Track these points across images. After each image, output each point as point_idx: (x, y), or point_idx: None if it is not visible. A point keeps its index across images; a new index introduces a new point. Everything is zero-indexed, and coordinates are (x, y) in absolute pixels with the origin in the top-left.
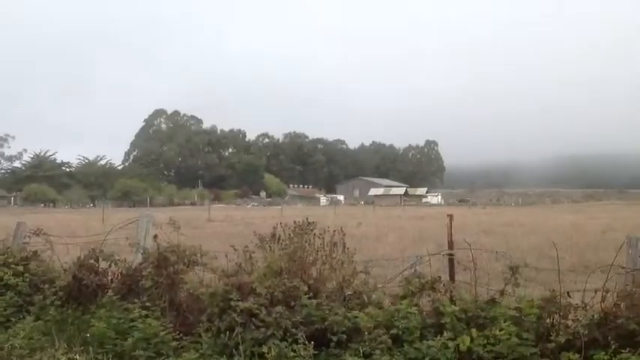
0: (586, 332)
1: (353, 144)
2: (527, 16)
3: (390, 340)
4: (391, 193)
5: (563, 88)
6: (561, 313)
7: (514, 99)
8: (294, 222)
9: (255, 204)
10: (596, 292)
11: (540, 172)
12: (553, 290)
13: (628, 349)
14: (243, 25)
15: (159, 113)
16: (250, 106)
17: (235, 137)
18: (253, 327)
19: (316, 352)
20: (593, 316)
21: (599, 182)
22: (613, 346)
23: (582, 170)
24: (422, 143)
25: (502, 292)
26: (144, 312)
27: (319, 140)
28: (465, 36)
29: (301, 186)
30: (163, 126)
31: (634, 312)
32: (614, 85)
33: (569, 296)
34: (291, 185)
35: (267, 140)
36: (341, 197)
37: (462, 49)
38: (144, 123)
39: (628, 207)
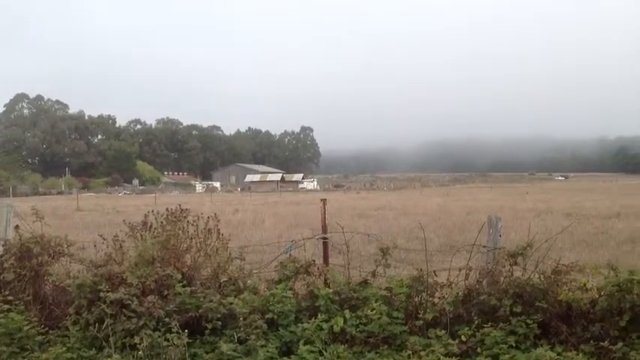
0: (451, 309)
1: (229, 130)
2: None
3: (265, 325)
4: (268, 179)
5: (432, 79)
6: (429, 292)
7: (383, 87)
8: (167, 209)
9: (128, 192)
10: (460, 271)
11: (411, 157)
12: (421, 270)
13: (490, 323)
14: (114, 6)
15: (20, 97)
16: (121, 92)
17: (105, 123)
18: (124, 318)
19: (190, 340)
20: (457, 293)
21: (465, 166)
22: (476, 322)
23: (450, 155)
24: (297, 129)
25: (374, 274)
26: (6, 306)
27: (194, 126)
28: (334, 25)
29: (176, 173)
30: (26, 111)
31: (495, 288)
32: (479, 75)
33: (436, 275)
34: (165, 172)
35: (139, 127)
36: (217, 184)
37: (331, 37)
38: (4, 108)
39: (491, 189)
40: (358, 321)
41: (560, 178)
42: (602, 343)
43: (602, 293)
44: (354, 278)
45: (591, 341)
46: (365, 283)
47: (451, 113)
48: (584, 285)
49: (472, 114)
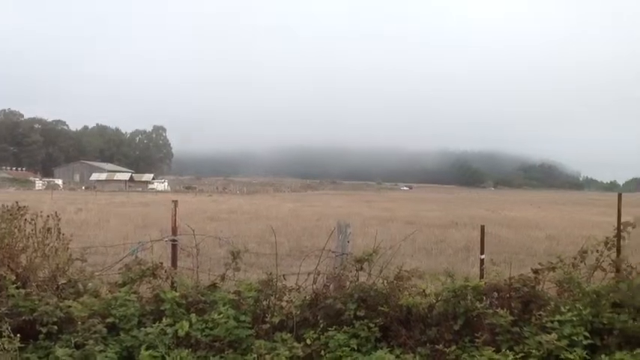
0: (298, 312)
1: (75, 125)
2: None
3: (105, 329)
4: (115, 178)
5: (291, 88)
6: (277, 296)
7: (240, 91)
8: (3, 206)
9: None
10: (309, 275)
11: (266, 162)
12: (270, 274)
13: (334, 327)
14: None
15: None
16: None
17: None
18: None
19: (23, 344)
20: (305, 297)
21: (318, 173)
22: (322, 325)
23: (304, 162)
24: (150, 128)
25: (223, 277)
26: None
27: (36, 120)
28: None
29: (15, 168)
30: None
31: (341, 293)
32: (337, 88)
33: (285, 279)
34: (3, 167)
35: None
36: (59, 181)
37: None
38: None
39: (340, 196)
40: (204, 325)
41: (404, 188)
42: (437, 346)
43: (439, 298)
44: (203, 281)
45: (428, 344)
46: (214, 286)
47: (308, 121)
48: (424, 290)
49: (330, 123)
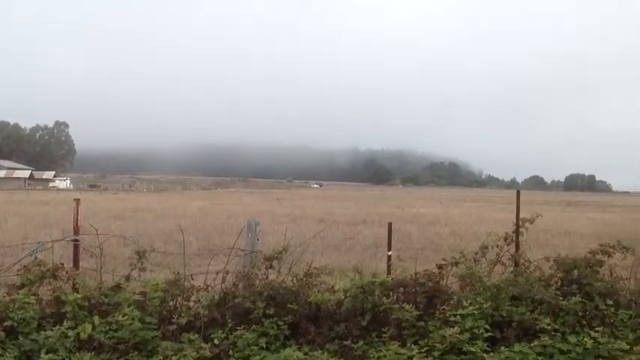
0: (206, 312)
1: None
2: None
3: (3, 333)
4: (14, 176)
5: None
6: (185, 296)
7: (144, 86)
8: None
9: None
10: (217, 274)
11: (174, 160)
12: (178, 273)
13: (243, 326)
14: None
15: None
16: None
17: None
18: None
19: None
20: (213, 296)
21: (228, 171)
22: (230, 324)
23: (214, 159)
24: (51, 124)
25: (128, 278)
26: None
27: None
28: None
29: None
30: None
31: (250, 291)
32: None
33: (193, 279)
34: None
35: None
36: None
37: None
38: None
39: (251, 194)
40: (108, 327)
41: (315, 185)
42: (345, 342)
43: (347, 295)
44: (107, 282)
45: (336, 340)
46: (118, 287)
47: (217, 117)
48: (333, 287)
49: (241, 120)
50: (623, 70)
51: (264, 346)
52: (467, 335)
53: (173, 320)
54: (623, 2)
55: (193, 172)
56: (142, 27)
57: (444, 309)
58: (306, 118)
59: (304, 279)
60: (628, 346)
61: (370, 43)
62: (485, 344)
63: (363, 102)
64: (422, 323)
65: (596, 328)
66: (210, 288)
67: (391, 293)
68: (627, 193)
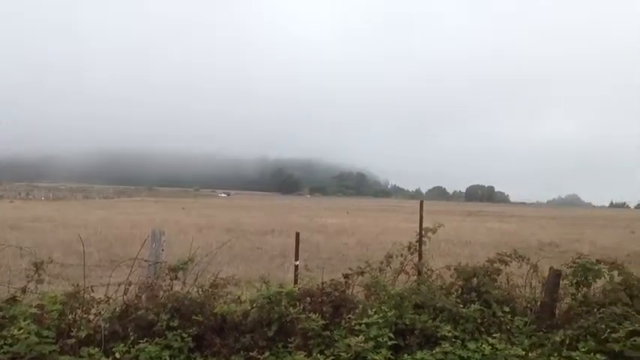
0: (107, 325)
1: None
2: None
3: None
4: None
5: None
6: (84, 308)
7: (41, 91)
8: None
9: None
10: (119, 286)
11: (74, 167)
12: (77, 285)
13: (146, 339)
14: None
15: None
16: None
17: None
18: None
19: None
20: (115, 309)
21: (133, 179)
22: (132, 337)
23: (117, 167)
24: None
25: (24, 290)
26: None
27: None
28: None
29: None
30: None
31: (153, 303)
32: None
33: (93, 291)
34: None
35: None
36: None
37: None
38: None
39: (156, 203)
40: (3, 342)
41: (222, 195)
42: (251, 353)
43: (254, 305)
44: (2, 295)
45: (242, 352)
46: (14, 300)
47: (122, 122)
48: (239, 298)
49: (143, 125)
50: (521, 86)
51: (168, 359)
52: (371, 344)
53: (72, 334)
54: (511, 31)
55: (95, 180)
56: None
57: (349, 318)
58: (214, 125)
59: (210, 290)
60: (523, 352)
61: (281, 56)
62: (389, 352)
63: (274, 111)
64: (328, 333)
65: (494, 335)
66: (111, 300)
67: (298, 303)
68: (524, 203)
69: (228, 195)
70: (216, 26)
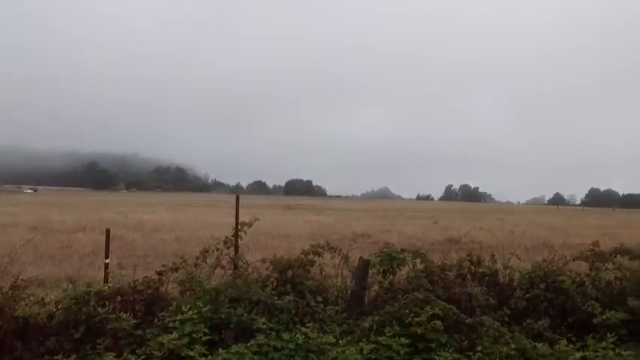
0: None
1: None
2: None
3: None
4: None
5: None
6: None
7: None
8: None
9: None
10: None
11: None
12: None
13: None
14: None
15: None
16: None
17: None
18: None
19: None
20: None
21: None
22: None
23: None
24: None
25: None
26: None
27: None
28: None
29: None
30: None
31: None
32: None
33: None
34: None
35: None
36: None
37: None
38: None
39: None
40: None
41: (28, 190)
42: (56, 357)
43: (60, 307)
44: None
45: (46, 356)
46: None
47: None
48: (43, 299)
49: None
50: (340, 83)
51: None
52: (186, 340)
53: None
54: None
55: None
56: None
57: (162, 315)
58: (19, 115)
59: (10, 292)
60: (334, 340)
61: (91, 40)
62: (204, 348)
63: (85, 103)
64: (139, 331)
65: (307, 325)
66: None
67: (108, 303)
68: (339, 196)
69: (35, 191)
70: (25, 13)
